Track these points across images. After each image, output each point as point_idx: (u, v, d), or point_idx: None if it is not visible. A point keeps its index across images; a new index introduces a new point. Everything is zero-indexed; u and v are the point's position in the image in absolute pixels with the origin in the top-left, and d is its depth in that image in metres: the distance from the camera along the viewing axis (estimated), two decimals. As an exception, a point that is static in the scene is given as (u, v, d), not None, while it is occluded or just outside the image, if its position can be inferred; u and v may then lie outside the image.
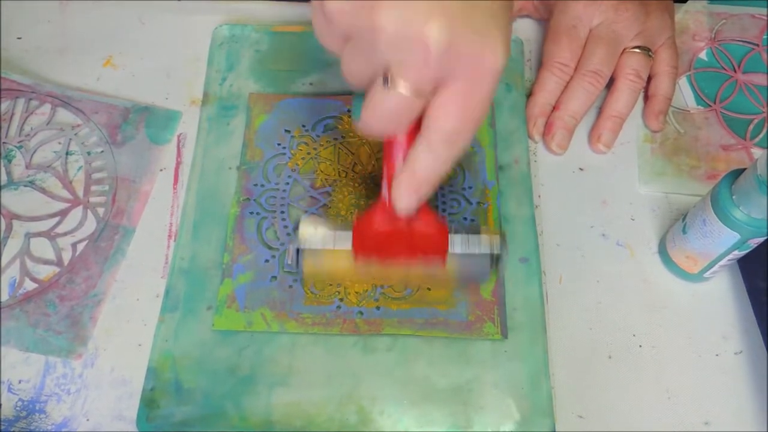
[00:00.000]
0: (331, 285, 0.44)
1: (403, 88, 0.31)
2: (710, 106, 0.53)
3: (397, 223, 0.38)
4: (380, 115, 0.33)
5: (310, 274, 0.40)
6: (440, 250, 0.39)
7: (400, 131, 0.35)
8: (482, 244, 0.39)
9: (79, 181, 0.48)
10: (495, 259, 0.39)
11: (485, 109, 0.33)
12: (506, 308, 0.43)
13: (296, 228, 0.40)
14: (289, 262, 0.40)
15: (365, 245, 0.39)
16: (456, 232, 0.39)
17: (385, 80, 0.32)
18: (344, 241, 0.39)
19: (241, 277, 0.44)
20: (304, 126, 0.49)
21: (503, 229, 0.46)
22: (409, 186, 0.36)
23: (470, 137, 0.34)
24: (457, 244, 0.39)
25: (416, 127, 0.34)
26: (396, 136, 0.36)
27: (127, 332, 0.43)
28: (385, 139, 0.36)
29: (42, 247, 0.45)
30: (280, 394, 0.41)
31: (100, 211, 0.47)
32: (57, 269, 0.45)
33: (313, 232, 0.39)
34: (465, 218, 0.46)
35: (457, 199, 0.47)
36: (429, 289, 0.44)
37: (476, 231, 0.40)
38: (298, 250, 0.39)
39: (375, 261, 0.39)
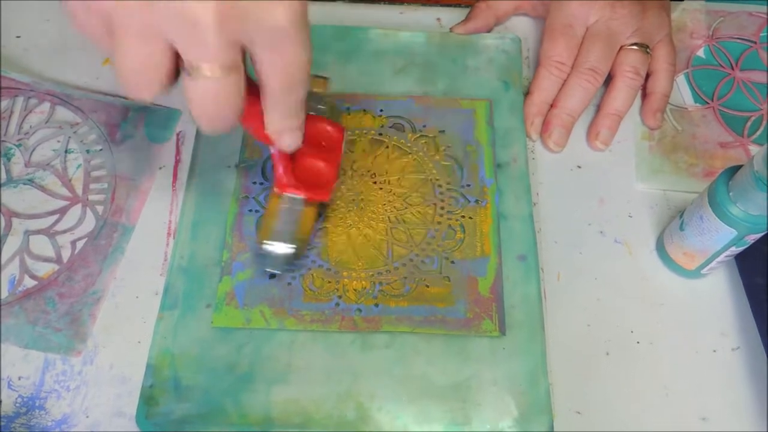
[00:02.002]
0: (329, 282, 0.44)
1: (210, 69, 0.30)
2: (708, 103, 0.53)
3: (307, 145, 0.40)
4: (211, 108, 0.32)
5: (303, 246, 0.43)
6: (335, 130, 0.43)
7: (236, 114, 0.34)
8: (319, 97, 0.44)
9: (78, 179, 0.48)
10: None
11: (304, 57, 0.32)
12: (504, 305, 0.43)
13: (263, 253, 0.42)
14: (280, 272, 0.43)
15: (305, 182, 0.41)
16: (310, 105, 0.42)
17: (187, 71, 0.30)
18: (296, 203, 0.42)
19: (240, 275, 0.44)
20: (302, 124, 0.50)
21: (501, 234, 0.46)
22: (283, 128, 0.37)
23: (305, 83, 0.34)
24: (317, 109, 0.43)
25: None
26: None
27: (127, 329, 0.43)
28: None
29: (41, 245, 0.45)
30: (279, 391, 0.41)
31: (100, 209, 0.47)
32: (56, 267, 0.45)
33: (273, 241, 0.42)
34: (463, 216, 0.46)
35: (455, 196, 0.47)
36: (428, 286, 0.44)
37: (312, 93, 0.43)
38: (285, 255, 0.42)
39: (325, 186, 0.42)
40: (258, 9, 0.29)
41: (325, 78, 0.45)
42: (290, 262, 0.42)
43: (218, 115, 0.33)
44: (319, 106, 0.44)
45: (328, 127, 0.43)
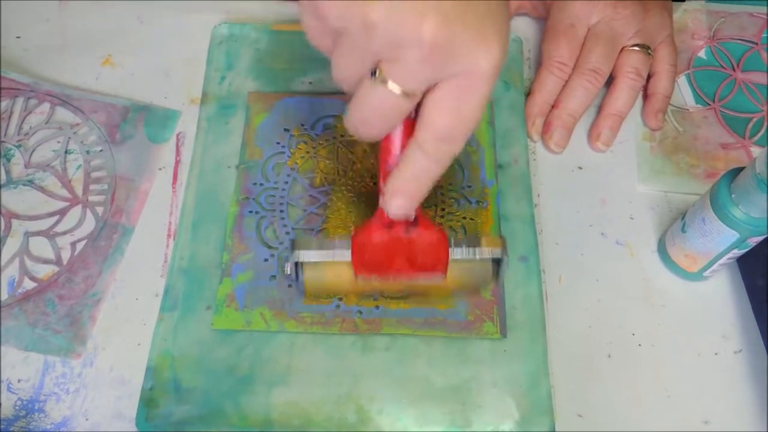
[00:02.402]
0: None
1: (393, 86, 0.31)
2: (709, 104, 0.53)
3: (396, 235, 0.38)
4: (367, 113, 0.33)
5: (311, 287, 0.40)
6: (441, 261, 0.39)
7: (386, 132, 0.35)
8: (483, 250, 0.39)
9: (78, 180, 0.48)
10: (497, 264, 0.39)
11: (480, 111, 0.32)
12: (505, 307, 0.43)
13: (293, 244, 0.39)
14: (288, 272, 0.39)
15: (364, 258, 0.38)
16: (455, 240, 0.39)
17: (373, 73, 0.31)
18: (343, 253, 0.38)
19: (240, 276, 0.44)
20: (303, 125, 0.49)
21: (502, 234, 0.45)
22: (401, 189, 0.35)
23: (464, 139, 0.33)
24: (458, 251, 0.39)
25: (411, 129, 0.34)
26: (389, 139, 0.35)
27: (127, 331, 0.43)
28: (381, 142, 0.36)
29: (41, 246, 0.45)
30: (279, 394, 0.41)
31: (99, 210, 0.47)
32: (56, 268, 0.45)
33: (311, 247, 0.39)
34: (464, 217, 0.46)
35: (456, 198, 0.47)
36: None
37: (476, 239, 0.39)
38: (297, 264, 0.39)
39: (375, 273, 0.39)
40: (467, 48, 0.30)
41: (502, 238, 0.40)
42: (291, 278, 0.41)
43: (373, 124, 0.34)
44: (476, 255, 0.39)
45: (434, 242, 0.38)
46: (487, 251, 0.39)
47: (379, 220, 0.38)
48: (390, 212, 0.36)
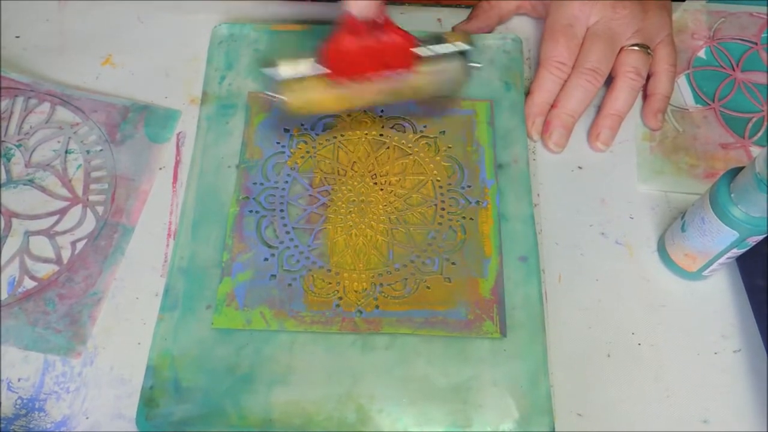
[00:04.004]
0: (330, 284, 0.44)
1: None
2: (709, 104, 0.53)
3: (365, 39, 0.42)
4: None
5: (292, 104, 0.44)
6: (407, 57, 0.43)
7: None
8: (448, 44, 0.43)
9: (78, 179, 0.48)
10: (464, 57, 0.44)
11: None
12: (505, 307, 0.43)
13: (269, 65, 0.43)
14: (269, 93, 0.43)
15: (338, 62, 0.42)
16: (423, 41, 0.43)
17: None
18: (318, 66, 0.43)
19: (240, 276, 0.44)
20: (303, 125, 0.49)
21: (502, 234, 0.46)
22: None
23: None
24: (424, 49, 0.43)
25: None
26: None
27: (127, 331, 0.43)
28: None
29: (41, 246, 0.45)
30: (279, 393, 0.41)
31: (100, 209, 0.47)
32: (56, 268, 0.45)
33: (288, 65, 0.43)
34: (464, 217, 0.46)
35: (455, 197, 0.47)
36: (428, 287, 0.44)
37: (441, 36, 0.44)
38: (276, 84, 0.43)
39: (349, 78, 0.43)
40: None
41: (466, 33, 0.46)
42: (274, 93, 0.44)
43: None
44: (439, 49, 0.43)
45: (399, 39, 0.43)
46: (452, 45, 0.43)
47: (348, 26, 0.42)
48: (358, 14, 0.40)
